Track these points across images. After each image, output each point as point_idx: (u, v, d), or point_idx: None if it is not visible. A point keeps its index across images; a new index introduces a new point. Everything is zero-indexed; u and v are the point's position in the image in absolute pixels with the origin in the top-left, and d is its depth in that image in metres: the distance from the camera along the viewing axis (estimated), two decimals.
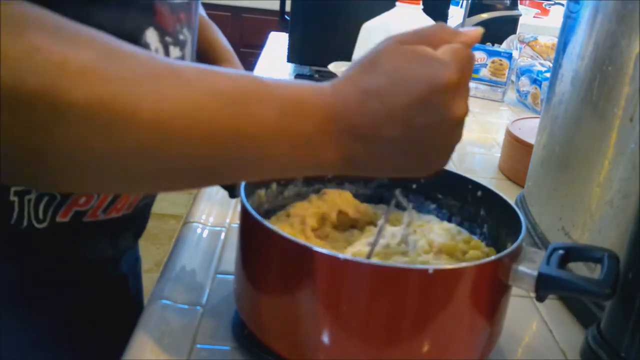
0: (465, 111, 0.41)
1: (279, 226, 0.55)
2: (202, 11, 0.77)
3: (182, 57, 0.61)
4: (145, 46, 0.56)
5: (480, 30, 0.43)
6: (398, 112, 0.38)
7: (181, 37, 0.61)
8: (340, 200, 0.60)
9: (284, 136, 0.38)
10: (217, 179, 0.42)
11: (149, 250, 2.35)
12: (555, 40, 1.06)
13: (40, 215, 0.56)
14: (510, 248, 0.47)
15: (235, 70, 0.39)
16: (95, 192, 0.54)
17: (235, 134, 0.37)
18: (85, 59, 0.33)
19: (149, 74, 0.35)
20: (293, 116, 0.38)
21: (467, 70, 0.41)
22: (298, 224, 0.56)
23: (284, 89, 0.39)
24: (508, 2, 1.77)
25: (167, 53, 0.59)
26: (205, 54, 0.74)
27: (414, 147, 0.40)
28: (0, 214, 0.55)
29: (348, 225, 0.60)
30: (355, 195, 0.62)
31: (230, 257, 0.61)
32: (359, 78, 0.40)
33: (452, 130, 0.41)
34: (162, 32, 0.57)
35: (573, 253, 0.49)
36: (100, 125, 0.33)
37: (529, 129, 0.97)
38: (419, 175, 0.43)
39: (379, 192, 0.64)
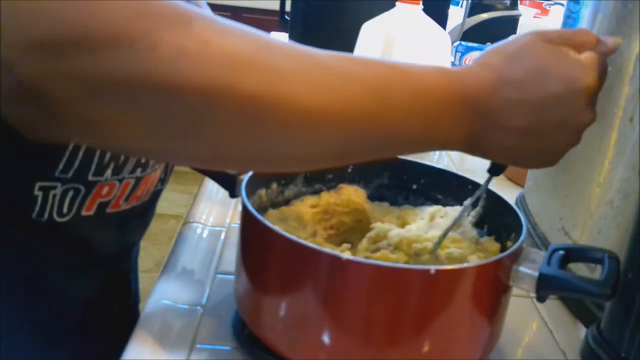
0: (593, 120, 0.42)
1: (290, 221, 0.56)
2: (208, 10, 0.77)
3: None
4: None
5: (619, 40, 0.45)
6: (531, 104, 0.40)
7: None
8: (354, 196, 0.61)
9: (416, 118, 0.40)
10: (350, 159, 0.46)
11: (149, 250, 2.35)
12: None
13: (65, 209, 0.57)
14: (511, 249, 0.47)
15: (367, 56, 0.41)
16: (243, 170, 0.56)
17: (372, 119, 0.39)
18: (249, 50, 0.35)
19: (301, 63, 0.37)
20: (426, 99, 0.40)
21: (603, 80, 0.43)
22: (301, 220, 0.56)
23: (416, 72, 0.41)
24: (508, 2, 1.77)
25: None
26: None
27: (535, 140, 0.42)
28: (22, 208, 0.55)
29: (349, 225, 0.60)
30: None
31: (230, 257, 0.61)
32: (499, 67, 0.41)
33: (573, 134, 0.42)
34: None
35: (573, 253, 0.49)
36: (267, 113, 0.35)
37: None
38: (528, 167, 0.45)
39: (379, 192, 0.64)
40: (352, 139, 0.39)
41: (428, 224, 0.57)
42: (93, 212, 0.59)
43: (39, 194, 0.54)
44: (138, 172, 0.60)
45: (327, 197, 0.60)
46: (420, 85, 0.40)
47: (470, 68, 0.42)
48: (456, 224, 0.53)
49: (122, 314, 0.75)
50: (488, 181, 0.52)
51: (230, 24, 0.36)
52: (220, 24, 0.35)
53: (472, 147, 0.43)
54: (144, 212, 0.69)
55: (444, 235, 0.53)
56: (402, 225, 0.59)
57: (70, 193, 0.56)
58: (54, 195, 0.55)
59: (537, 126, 0.41)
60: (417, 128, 0.40)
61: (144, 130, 0.35)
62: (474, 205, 0.57)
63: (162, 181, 0.70)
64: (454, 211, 0.58)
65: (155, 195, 0.70)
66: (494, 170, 0.51)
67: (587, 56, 0.42)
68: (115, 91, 0.33)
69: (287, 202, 0.60)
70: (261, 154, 0.39)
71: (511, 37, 0.44)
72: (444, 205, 0.62)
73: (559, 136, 0.42)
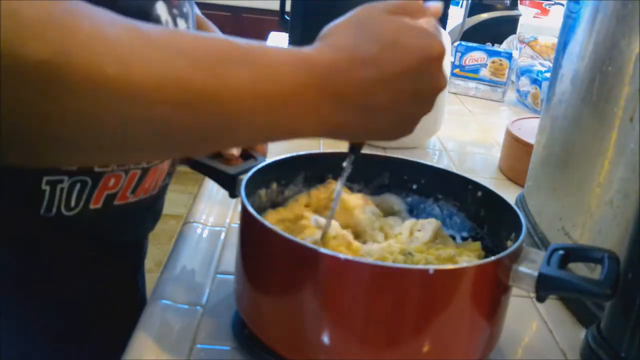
0: (445, 84, 0.42)
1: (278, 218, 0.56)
2: (197, 10, 0.77)
3: (187, 29, 0.63)
4: (157, 19, 0.57)
5: (440, 5, 0.44)
6: (389, 79, 0.39)
7: (185, 9, 0.62)
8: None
9: (258, 101, 0.36)
10: (191, 145, 0.39)
11: (149, 250, 2.35)
12: (555, 40, 1.06)
13: (72, 203, 0.57)
14: (510, 248, 0.47)
15: (205, 32, 0.37)
16: (76, 164, 0.51)
17: (206, 97, 0.35)
18: (45, 13, 0.30)
19: (114, 31, 0.33)
20: (268, 79, 0.37)
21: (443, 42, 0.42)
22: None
23: (258, 51, 0.38)
24: (508, 2, 1.77)
25: (175, 24, 0.60)
26: None
27: (394, 114, 0.41)
28: (30, 203, 0.55)
29: None
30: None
31: (230, 257, 0.61)
32: (350, 46, 0.39)
33: (429, 101, 0.42)
34: (170, 5, 0.59)
35: (573, 253, 0.49)
36: (62, 82, 0.31)
37: (529, 129, 0.97)
38: (386, 139, 0.43)
39: (379, 191, 0.64)
40: (184, 120, 0.35)
41: (408, 239, 0.57)
42: (101, 205, 0.59)
43: (46, 188, 0.55)
44: (144, 162, 0.60)
45: (317, 194, 0.60)
46: (263, 63, 0.37)
47: (317, 49, 0.39)
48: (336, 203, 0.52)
49: (127, 312, 0.76)
50: (351, 161, 0.49)
51: None
52: None
53: (329, 133, 0.41)
54: (152, 206, 0.70)
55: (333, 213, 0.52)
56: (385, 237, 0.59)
57: (78, 186, 0.56)
58: (62, 189, 0.55)
59: (396, 100, 0.40)
60: (263, 111, 0.37)
61: None
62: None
63: (170, 175, 0.70)
64: (429, 224, 0.58)
65: (163, 190, 0.71)
66: (355, 149, 0.48)
67: (428, 23, 0.42)
68: None
69: (286, 202, 0.60)
70: (55, 130, 0.33)
71: (349, 14, 0.42)
72: (444, 205, 0.62)
73: (417, 105, 0.41)
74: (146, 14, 0.56)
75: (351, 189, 0.63)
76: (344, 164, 0.49)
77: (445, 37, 1.06)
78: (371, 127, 0.41)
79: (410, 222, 0.59)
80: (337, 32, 0.41)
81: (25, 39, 0.29)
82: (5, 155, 0.33)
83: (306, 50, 0.39)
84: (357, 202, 0.60)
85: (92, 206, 0.58)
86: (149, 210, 0.70)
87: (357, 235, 0.57)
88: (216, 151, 0.58)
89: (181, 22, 0.61)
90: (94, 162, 0.49)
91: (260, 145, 0.64)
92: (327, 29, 0.42)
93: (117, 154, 0.37)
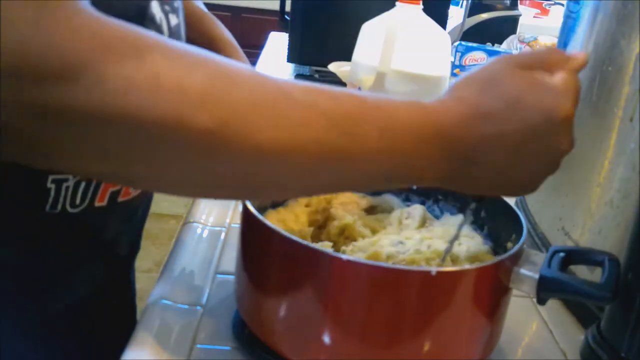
0: (572, 145, 0.41)
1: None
2: (200, 4, 0.77)
3: (179, 24, 0.63)
4: (152, 17, 0.57)
5: (587, 54, 0.43)
6: (509, 137, 0.38)
7: (175, 4, 0.63)
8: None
9: (386, 155, 0.38)
10: (316, 192, 0.44)
11: (149, 250, 2.35)
12: (555, 40, 1.06)
13: (77, 201, 0.57)
14: (511, 251, 0.47)
15: (335, 87, 0.39)
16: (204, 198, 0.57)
17: (339, 155, 0.37)
18: (204, 83, 0.33)
19: (260, 94, 0.35)
20: (396, 135, 0.38)
21: (578, 101, 0.41)
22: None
23: (385, 106, 0.39)
24: (508, 2, 1.77)
25: (168, 21, 0.60)
26: (208, 48, 0.74)
27: (513, 172, 0.40)
28: (35, 201, 0.55)
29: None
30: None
31: (230, 257, 0.61)
32: (474, 100, 0.39)
33: (553, 162, 0.41)
34: (162, 2, 0.59)
35: (574, 256, 0.49)
36: (222, 148, 0.34)
37: None
38: (508, 196, 0.44)
39: (379, 192, 0.64)
40: (318, 174, 0.38)
41: (398, 229, 0.57)
42: (106, 202, 0.59)
43: (51, 186, 0.55)
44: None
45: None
46: (390, 120, 0.38)
47: (443, 102, 0.40)
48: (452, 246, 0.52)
49: (123, 310, 0.76)
50: (471, 213, 0.50)
51: (188, 52, 0.34)
52: (176, 53, 0.33)
53: (448, 183, 0.41)
54: (148, 200, 0.70)
55: (446, 254, 0.51)
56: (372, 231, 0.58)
57: (83, 184, 0.56)
58: (67, 187, 0.56)
59: (515, 159, 0.40)
60: (387, 165, 0.38)
61: (100, 158, 0.34)
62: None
63: None
64: (415, 210, 0.58)
65: None
66: (476, 200, 0.49)
67: (561, 80, 0.40)
68: (66, 122, 0.32)
69: (286, 202, 0.60)
70: (221, 186, 0.37)
71: (482, 66, 0.42)
72: (445, 205, 0.62)
73: (538, 166, 0.41)
74: (142, 14, 0.56)
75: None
76: (464, 215, 0.50)
77: (445, 38, 1.06)
78: (489, 183, 0.41)
79: (397, 212, 0.59)
80: (466, 86, 0.41)
81: (194, 110, 0.33)
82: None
83: (432, 103, 0.40)
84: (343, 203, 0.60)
85: (97, 204, 0.58)
86: (146, 205, 0.70)
87: (347, 237, 0.57)
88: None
89: (173, 18, 0.61)
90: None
91: None
92: (458, 80, 0.42)
93: (252, 197, 0.44)
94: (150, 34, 0.33)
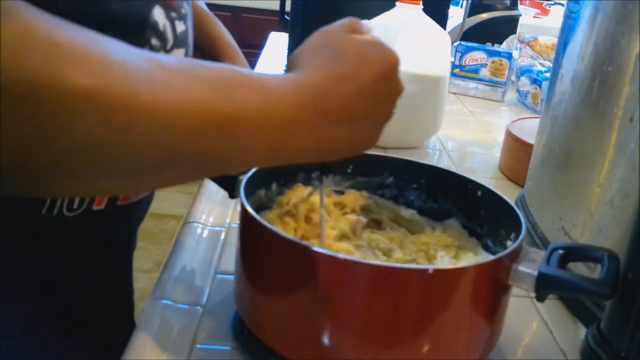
0: (402, 89, 0.46)
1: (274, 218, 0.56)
2: (204, 6, 0.77)
3: (186, 31, 0.63)
4: (155, 24, 0.57)
5: (369, 23, 0.49)
6: (364, 90, 0.42)
7: (183, 11, 0.62)
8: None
9: (264, 124, 0.39)
10: (203, 169, 0.41)
11: (149, 250, 2.35)
12: (555, 40, 1.06)
13: (75, 205, 0.57)
14: (510, 248, 0.47)
15: (211, 62, 0.39)
16: (93, 194, 0.54)
17: (224, 121, 0.37)
18: (80, 42, 0.32)
19: (137, 61, 0.34)
20: (273, 102, 0.39)
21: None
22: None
23: (259, 76, 0.40)
24: (508, 2, 1.77)
25: (174, 28, 0.60)
26: (209, 51, 0.74)
27: (374, 121, 0.44)
28: (32, 204, 0.55)
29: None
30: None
31: (230, 257, 0.61)
32: (326, 64, 0.42)
33: (394, 105, 0.45)
34: (168, 9, 0.59)
35: (573, 253, 0.49)
36: (102, 111, 0.32)
37: (529, 129, 0.97)
38: (366, 149, 0.45)
39: (380, 192, 0.64)
40: (204, 145, 0.37)
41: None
42: (104, 207, 0.59)
43: None
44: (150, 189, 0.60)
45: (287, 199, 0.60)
46: (266, 87, 0.39)
47: (303, 73, 0.42)
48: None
49: (122, 310, 0.76)
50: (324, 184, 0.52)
51: (58, 19, 0.32)
52: (46, 16, 0.31)
53: (325, 152, 0.43)
54: (148, 201, 0.70)
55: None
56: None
57: None
58: None
59: (372, 108, 0.43)
60: (265, 133, 0.39)
61: None
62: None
63: None
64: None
65: None
66: (326, 169, 0.51)
67: (374, 37, 0.46)
68: None
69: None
70: (108, 158, 0.34)
71: (306, 41, 0.46)
72: (444, 204, 0.62)
73: (386, 110, 0.45)
74: (143, 20, 0.55)
75: (351, 189, 0.63)
76: (320, 186, 0.52)
77: (445, 38, 1.06)
78: (355, 140, 0.44)
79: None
80: (308, 57, 0.43)
81: (69, 68, 0.30)
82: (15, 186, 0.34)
83: (291, 75, 0.42)
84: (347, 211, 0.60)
85: (95, 208, 0.58)
86: (147, 204, 0.70)
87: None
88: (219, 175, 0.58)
89: (179, 25, 0.61)
90: (107, 190, 0.49)
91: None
92: (292, 58, 0.44)
93: (134, 179, 0.38)
94: (31, 6, 0.31)
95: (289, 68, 0.44)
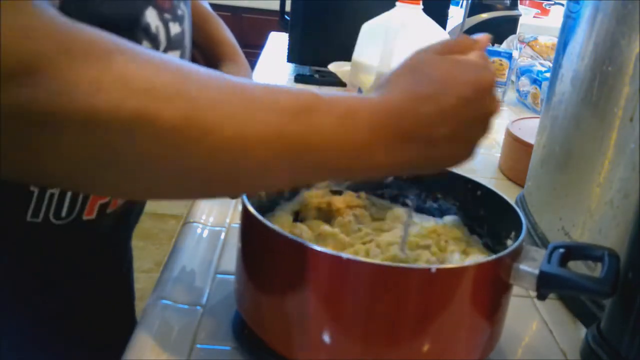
0: (498, 106, 0.46)
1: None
2: (206, 5, 0.77)
3: (182, 32, 0.62)
4: (147, 26, 0.57)
5: (488, 36, 0.49)
6: (448, 112, 0.42)
7: (179, 12, 0.62)
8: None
9: (341, 145, 0.40)
10: (280, 185, 0.45)
11: (149, 250, 2.35)
12: (555, 40, 1.06)
13: (63, 213, 0.57)
14: (511, 247, 0.47)
15: (288, 86, 0.41)
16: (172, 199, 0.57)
17: (300, 147, 0.39)
18: (170, 82, 0.35)
19: (225, 93, 0.37)
20: (350, 125, 0.40)
21: (495, 72, 0.46)
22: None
23: (337, 100, 0.42)
24: (508, 2, 1.77)
25: (167, 30, 0.59)
26: (210, 50, 0.74)
27: (458, 141, 0.44)
28: (17, 207, 0.55)
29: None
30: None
31: (230, 257, 0.61)
32: (409, 87, 0.43)
33: (486, 125, 0.45)
34: (161, 10, 0.58)
35: (573, 251, 0.49)
36: (190, 142, 0.35)
37: (529, 129, 0.97)
38: (452, 166, 0.47)
39: (379, 191, 0.64)
40: (280, 167, 0.39)
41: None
42: (95, 216, 0.59)
43: (34, 190, 0.54)
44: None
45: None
46: (344, 110, 0.41)
47: (384, 94, 0.43)
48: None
49: (122, 310, 0.76)
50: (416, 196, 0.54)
51: (152, 55, 0.35)
52: (141, 56, 0.35)
53: (400, 170, 0.44)
54: (141, 205, 0.70)
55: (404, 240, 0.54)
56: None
57: (69, 195, 0.56)
58: (52, 195, 0.55)
59: (456, 129, 0.43)
60: (345, 154, 0.41)
61: (69, 163, 0.34)
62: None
63: None
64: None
65: None
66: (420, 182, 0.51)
67: (477, 57, 0.46)
68: (35, 125, 0.32)
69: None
70: (189, 183, 0.38)
71: (402, 62, 0.46)
72: (444, 204, 0.62)
73: (475, 131, 0.45)
74: (135, 21, 0.55)
75: (351, 189, 0.63)
76: (409, 201, 0.55)
77: (445, 38, 1.06)
78: (436, 158, 0.44)
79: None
80: (394, 80, 0.44)
81: (160, 107, 0.34)
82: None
83: (371, 97, 0.43)
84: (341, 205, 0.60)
85: (85, 217, 0.58)
86: (139, 212, 0.70)
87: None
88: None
89: (174, 27, 0.60)
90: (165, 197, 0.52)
91: None
92: (386, 77, 0.45)
93: (218, 195, 0.44)
94: (112, 37, 0.34)
95: (379, 86, 0.45)
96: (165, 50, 0.59)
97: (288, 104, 0.39)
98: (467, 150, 0.46)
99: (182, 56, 0.63)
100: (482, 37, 0.48)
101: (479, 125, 0.45)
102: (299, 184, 0.46)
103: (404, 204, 0.61)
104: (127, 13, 0.55)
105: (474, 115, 0.44)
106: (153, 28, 0.57)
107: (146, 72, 0.34)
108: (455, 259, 0.54)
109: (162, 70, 0.35)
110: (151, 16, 0.57)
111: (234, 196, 0.65)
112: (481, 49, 0.47)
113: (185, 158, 0.36)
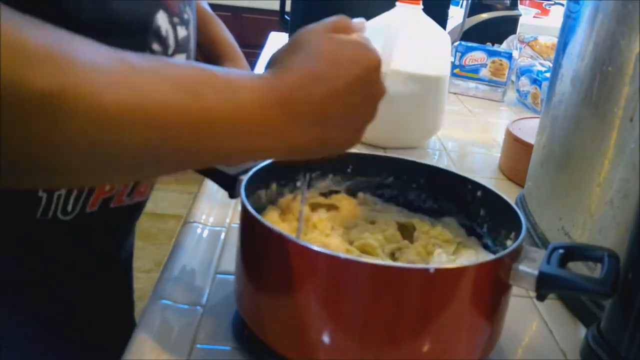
0: (384, 92, 0.45)
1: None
2: (206, 6, 0.77)
3: (188, 36, 0.63)
4: (157, 29, 0.57)
5: (362, 20, 0.48)
6: (340, 91, 0.41)
7: (185, 16, 0.62)
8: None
9: (231, 124, 0.38)
10: (167, 167, 0.40)
11: (149, 250, 2.35)
12: (555, 40, 1.06)
13: (69, 208, 0.57)
14: (510, 247, 0.47)
15: (182, 60, 0.39)
16: (63, 187, 0.53)
17: (188, 121, 0.37)
18: (45, 43, 0.32)
19: (104, 61, 0.34)
20: (240, 104, 0.39)
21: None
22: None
23: (227, 73, 0.40)
24: (508, 2, 1.77)
25: (175, 33, 0.60)
26: (210, 51, 0.74)
27: (349, 124, 0.43)
28: (26, 209, 0.55)
29: None
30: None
31: (230, 257, 0.61)
32: (300, 65, 0.42)
33: (374, 107, 0.44)
34: (170, 14, 0.59)
35: (573, 252, 0.49)
36: (65, 113, 0.32)
37: (529, 129, 0.97)
38: (341, 151, 0.45)
39: (379, 191, 0.64)
40: (166, 143, 0.37)
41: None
42: (97, 208, 0.59)
43: (43, 195, 0.55)
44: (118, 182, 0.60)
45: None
46: (233, 85, 0.39)
47: (274, 73, 0.42)
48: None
49: (121, 310, 0.76)
50: (307, 182, 0.53)
51: (28, 17, 0.32)
52: (16, 15, 0.31)
53: (292, 152, 0.43)
54: (144, 202, 0.70)
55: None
56: None
57: (75, 192, 0.56)
58: (59, 196, 0.55)
59: (347, 111, 0.42)
60: (234, 132, 0.39)
61: None
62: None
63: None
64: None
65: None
66: (309, 167, 0.51)
67: (359, 37, 0.45)
68: None
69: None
70: (63, 157, 0.34)
71: (286, 41, 0.45)
72: (444, 204, 0.62)
73: (365, 113, 0.44)
74: (146, 25, 0.56)
75: (351, 189, 0.63)
76: (299, 184, 0.53)
77: (445, 38, 1.06)
78: (328, 141, 0.43)
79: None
80: (283, 57, 0.43)
81: (31, 70, 0.30)
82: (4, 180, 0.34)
83: (263, 74, 0.42)
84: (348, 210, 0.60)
85: (88, 210, 0.58)
86: (143, 207, 0.71)
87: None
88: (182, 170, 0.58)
89: (181, 30, 0.61)
90: (83, 184, 0.51)
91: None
92: (273, 56, 0.44)
93: (107, 175, 0.40)
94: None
95: (268, 66, 0.43)
96: (173, 53, 0.60)
97: (178, 76, 0.37)
98: (356, 134, 0.44)
99: (187, 59, 0.63)
100: (357, 20, 0.47)
101: (368, 107, 0.44)
102: (188, 165, 0.42)
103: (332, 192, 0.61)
104: (140, 16, 0.55)
105: (363, 97, 0.43)
106: (163, 31, 0.58)
107: (16, 31, 0.31)
108: (442, 260, 0.54)
109: (36, 30, 0.32)
110: (162, 19, 0.57)
111: (233, 196, 0.65)
112: (360, 31, 0.46)
113: (62, 130, 0.32)
